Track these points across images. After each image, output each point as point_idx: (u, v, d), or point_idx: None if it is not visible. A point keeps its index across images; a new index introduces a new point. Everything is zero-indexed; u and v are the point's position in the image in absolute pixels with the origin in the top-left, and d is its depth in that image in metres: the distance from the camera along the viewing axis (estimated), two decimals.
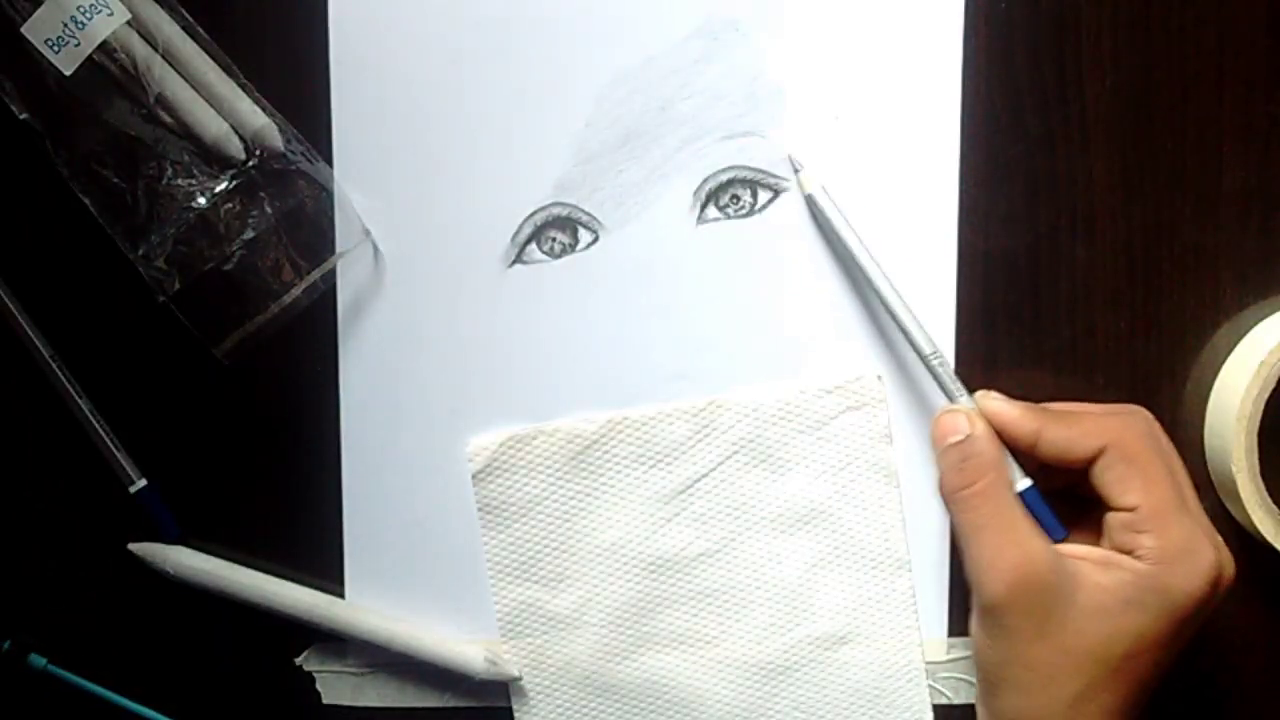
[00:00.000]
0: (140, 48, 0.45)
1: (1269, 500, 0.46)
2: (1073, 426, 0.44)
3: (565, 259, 0.48)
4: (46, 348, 0.49)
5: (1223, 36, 0.47)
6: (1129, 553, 0.42)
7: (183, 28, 0.46)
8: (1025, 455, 0.45)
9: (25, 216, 0.49)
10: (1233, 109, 0.47)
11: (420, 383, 0.49)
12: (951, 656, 0.49)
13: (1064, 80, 0.47)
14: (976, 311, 0.48)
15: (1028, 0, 0.47)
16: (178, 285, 0.46)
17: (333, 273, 0.49)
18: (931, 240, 0.48)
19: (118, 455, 0.50)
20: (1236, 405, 0.46)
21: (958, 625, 0.49)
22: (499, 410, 0.49)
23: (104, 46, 0.45)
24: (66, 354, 0.50)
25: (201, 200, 0.46)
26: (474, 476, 0.49)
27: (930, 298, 0.48)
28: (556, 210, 0.48)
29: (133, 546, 0.50)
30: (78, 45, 0.44)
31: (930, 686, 0.50)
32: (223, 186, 0.46)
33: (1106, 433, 0.43)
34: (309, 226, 0.48)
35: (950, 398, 0.46)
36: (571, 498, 0.49)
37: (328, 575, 0.50)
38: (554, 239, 0.48)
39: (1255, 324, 0.47)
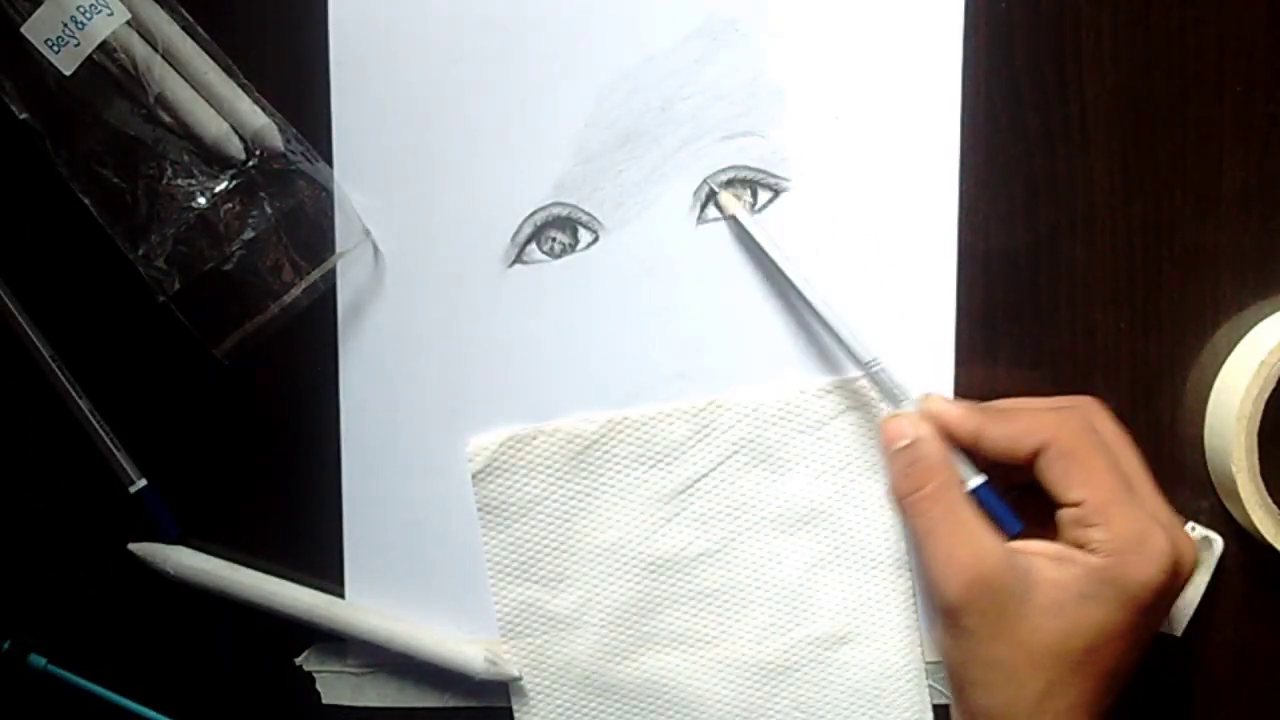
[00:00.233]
0: (140, 48, 0.45)
1: (1269, 500, 0.46)
2: (1011, 425, 0.44)
3: (565, 259, 0.48)
4: (46, 348, 0.49)
5: (1223, 36, 0.47)
6: (1081, 547, 0.42)
7: (183, 28, 0.46)
8: (973, 454, 0.45)
9: (25, 216, 0.49)
10: (1233, 109, 0.47)
11: (420, 383, 0.49)
12: None
13: (1064, 80, 0.47)
14: (976, 311, 0.48)
15: (1028, 0, 0.47)
16: (178, 285, 0.46)
17: (333, 273, 0.49)
18: (931, 240, 0.48)
19: (118, 455, 0.50)
20: (1236, 405, 0.46)
21: None
22: (499, 410, 0.49)
23: (104, 46, 0.45)
24: (66, 354, 0.50)
25: (201, 200, 0.46)
26: (474, 476, 0.49)
27: (930, 298, 0.48)
28: (556, 210, 0.48)
29: (133, 546, 0.50)
30: (78, 45, 0.44)
31: (930, 686, 0.50)
32: (223, 186, 0.46)
33: (1044, 429, 0.43)
34: (309, 226, 0.48)
35: (895, 403, 0.46)
36: (571, 498, 0.49)
37: (328, 575, 0.50)
38: (554, 239, 0.48)
39: (1255, 324, 0.47)
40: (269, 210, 0.47)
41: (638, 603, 0.50)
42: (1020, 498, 0.45)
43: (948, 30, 0.47)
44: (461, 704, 0.51)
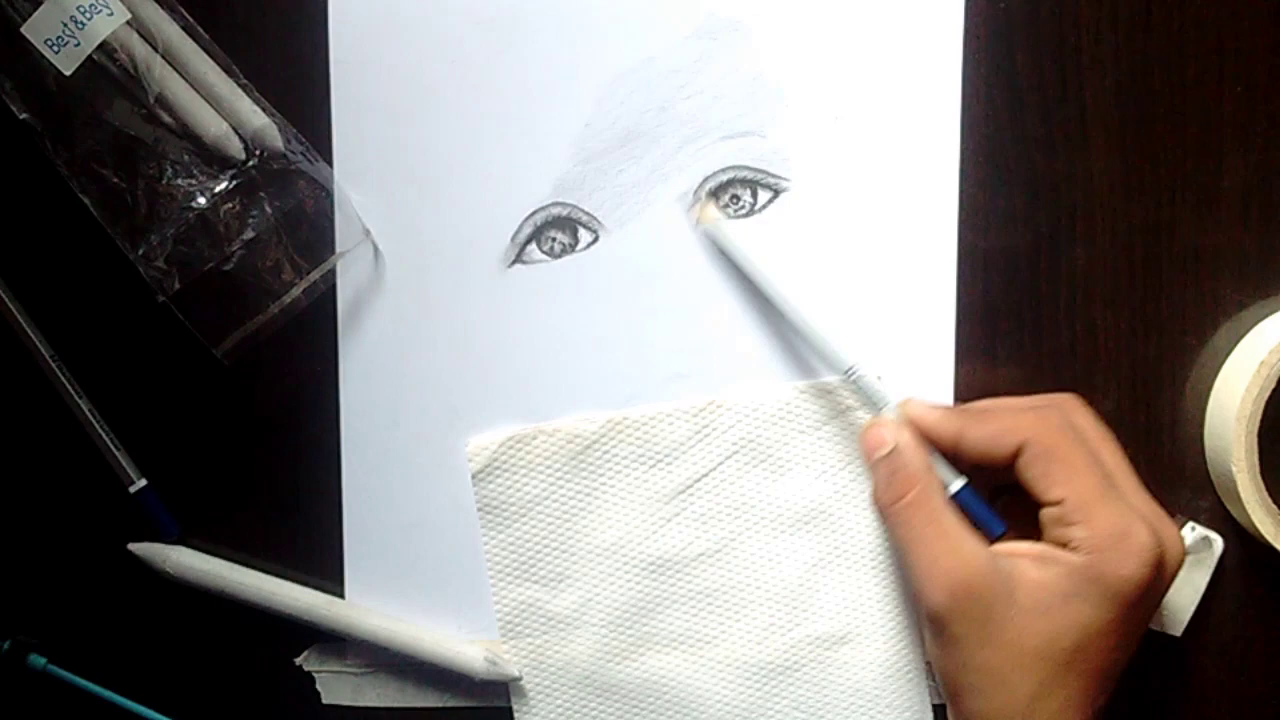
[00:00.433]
0: (140, 48, 0.45)
1: (1269, 500, 0.46)
2: (989, 425, 0.44)
3: (565, 259, 0.49)
4: (46, 348, 0.49)
5: (1223, 36, 0.47)
6: (1063, 546, 0.42)
7: (183, 28, 0.46)
8: (954, 457, 0.45)
9: (25, 216, 0.49)
10: (1233, 109, 0.47)
11: (420, 383, 0.49)
12: None
13: (1064, 80, 0.47)
14: (976, 311, 0.48)
15: (1028, 0, 0.47)
16: (178, 285, 0.46)
17: (333, 273, 0.49)
18: (931, 240, 0.48)
19: (118, 455, 0.50)
20: (1236, 405, 0.46)
21: None
22: (499, 410, 0.49)
23: (104, 46, 0.45)
24: (66, 354, 0.50)
25: (201, 200, 0.46)
26: (474, 476, 0.49)
27: (930, 297, 0.48)
28: (556, 210, 0.48)
29: (133, 546, 0.50)
30: (78, 45, 0.44)
31: (930, 686, 0.50)
32: (223, 186, 0.46)
33: (1022, 430, 0.43)
34: (309, 226, 0.48)
35: (875, 410, 0.46)
36: (571, 498, 0.49)
37: (328, 575, 0.50)
38: (554, 239, 0.48)
39: (1255, 324, 0.47)
40: (269, 210, 0.47)
41: (638, 603, 0.50)
42: (1008, 501, 0.45)
43: (948, 30, 0.47)
44: (461, 704, 0.51)
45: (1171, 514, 0.45)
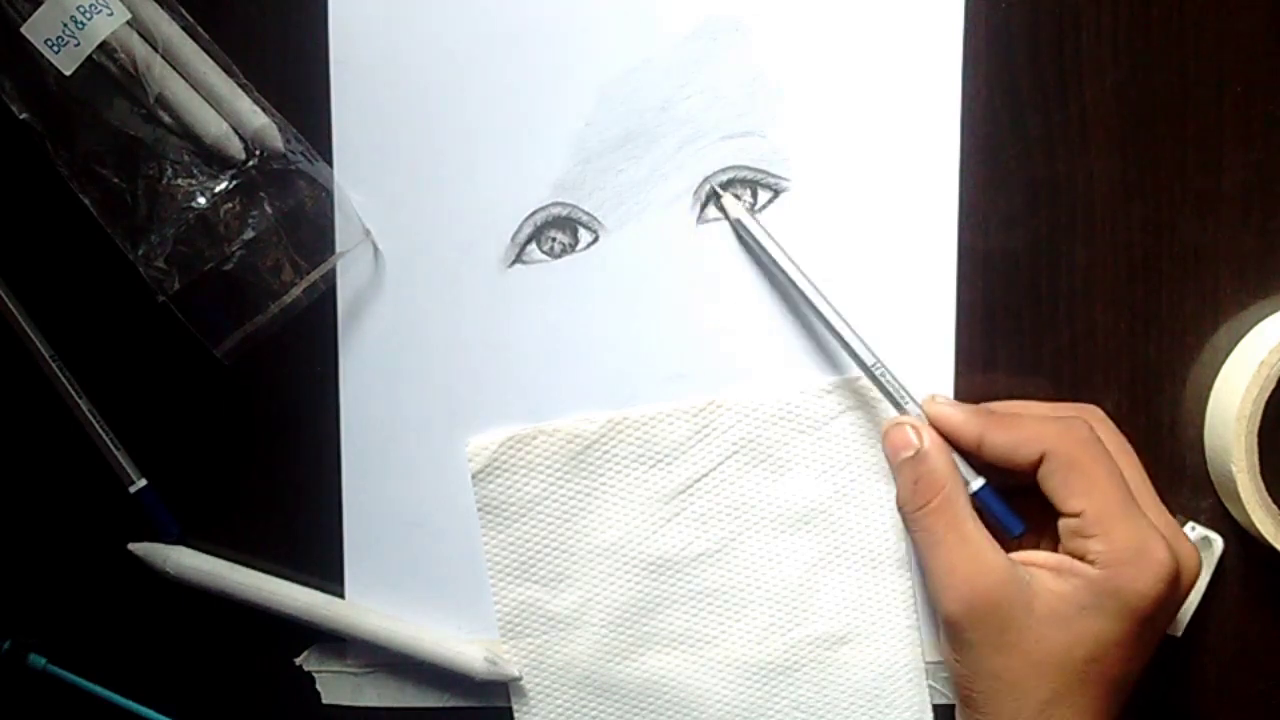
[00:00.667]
0: (140, 48, 0.45)
1: (1269, 500, 0.46)
2: (1013, 432, 0.44)
3: (565, 259, 0.48)
4: (46, 348, 0.49)
5: (1223, 36, 0.47)
6: (1081, 557, 0.43)
7: (183, 28, 0.46)
8: (975, 457, 0.45)
9: (25, 216, 0.49)
10: (1233, 109, 0.47)
11: (420, 383, 0.49)
12: None
13: (1064, 80, 0.47)
14: (976, 312, 0.48)
15: (1027, 0, 0.47)
16: (178, 285, 0.46)
17: (333, 273, 0.49)
18: (931, 241, 0.48)
19: (118, 455, 0.50)
20: (1236, 405, 0.46)
21: None
22: (499, 410, 0.49)
23: (104, 46, 0.45)
24: (66, 354, 0.50)
25: (201, 200, 0.46)
26: (474, 476, 0.49)
27: (930, 298, 0.48)
28: (556, 210, 0.48)
29: (133, 546, 0.50)
30: (78, 45, 0.44)
31: (930, 686, 0.50)
32: (223, 186, 0.46)
33: (1045, 439, 0.43)
34: (309, 226, 0.48)
35: (898, 408, 0.46)
36: (571, 498, 0.49)
37: (328, 575, 0.50)
38: (554, 239, 0.48)
39: (1255, 324, 0.47)
40: (269, 210, 0.47)
41: (638, 603, 0.50)
42: (1024, 500, 0.45)
43: (948, 30, 0.47)
44: (461, 704, 0.51)
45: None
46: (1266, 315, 0.47)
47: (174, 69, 0.46)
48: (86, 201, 0.46)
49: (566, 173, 0.48)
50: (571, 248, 0.48)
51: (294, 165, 0.47)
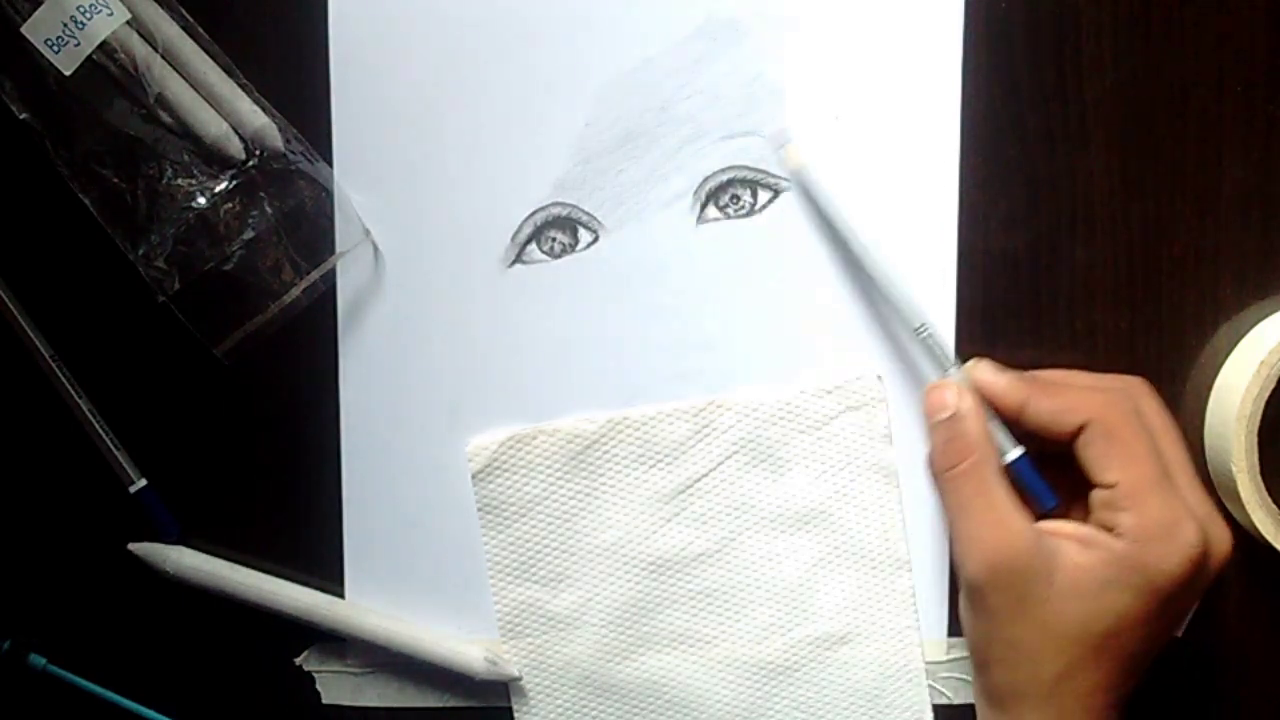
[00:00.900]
0: (140, 48, 0.45)
1: (1269, 500, 0.46)
2: (1056, 400, 0.44)
3: (565, 259, 0.49)
4: (46, 348, 0.49)
5: (1223, 36, 0.47)
6: (1109, 530, 0.42)
7: (183, 28, 0.46)
8: (1015, 424, 0.45)
9: (25, 216, 0.49)
10: (1233, 109, 0.47)
11: (420, 383, 0.49)
12: (951, 656, 0.49)
13: (1064, 80, 0.47)
14: (976, 311, 0.48)
15: (1027, 0, 0.47)
16: (178, 285, 0.46)
17: (333, 273, 0.49)
18: (931, 240, 0.48)
19: (118, 455, 0.50)
20: (1236, 405, 0.46)
21: (958, 625, 0.49)
22: (499, 410, 0.49)
23: (104, 46, 0.45)
24: (66, 354, 0.50)
25: (201, 200, 0.46)
26: (474, 476, 0.49)
27: (930, 298, 0.48)
28: (556, 210, 0.48)
29: (133, 546, 0.50)
30: (78, 45, 0.44)
31: (930, 686, 0.50)
32: (223, 186, 0.46)
33: (1089, 408, 0.43)
34: (309, 226, 0.48)
35: (942, 370, 0.46)
36: (571, 498, 0.49)
37: (328, 575, 0.50)
38: (554, 239, 0.48)
39: (1255, 324, 0.47)
40: (269, 210, 0.47)
41: (638, 603, 0.50)
42: (1055, 472, 0.45)
43: (948, 30, 0.47)
44: (461, 704, 0.51)
45: None
46: (1266, 316, 0.47)
47: (174, 69, 0.46)
48: (86, 201, 0.46)
49: (566, 173, 0.48)
50: (571, 248, 0.48)
51: (294, 165, 0.47)
